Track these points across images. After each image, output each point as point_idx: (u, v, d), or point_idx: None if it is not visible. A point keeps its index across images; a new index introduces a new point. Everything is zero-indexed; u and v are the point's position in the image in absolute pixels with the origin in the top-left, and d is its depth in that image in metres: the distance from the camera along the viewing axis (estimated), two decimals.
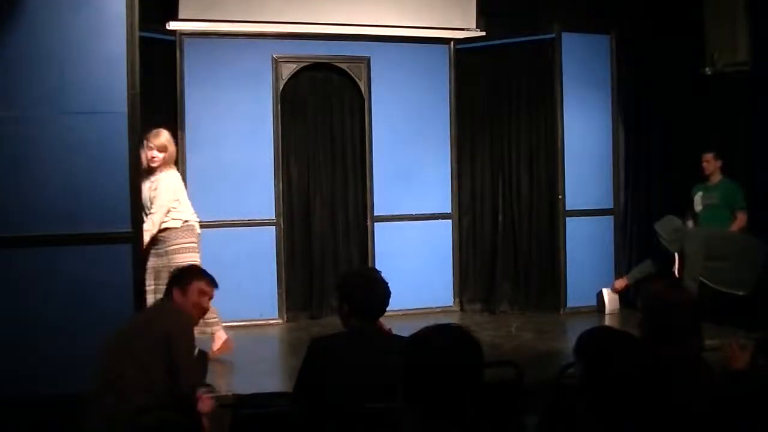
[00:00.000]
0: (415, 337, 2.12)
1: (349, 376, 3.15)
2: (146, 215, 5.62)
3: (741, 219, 7.05)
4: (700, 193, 7.22)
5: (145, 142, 5.64)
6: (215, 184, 7.11)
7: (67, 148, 4.64)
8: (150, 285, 5.55)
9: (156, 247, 5.74)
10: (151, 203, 5.71)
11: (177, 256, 5.73)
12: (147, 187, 5.71)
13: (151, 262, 5.70)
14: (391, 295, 3.40)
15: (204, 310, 3.98)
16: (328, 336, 3.52)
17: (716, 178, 7.19)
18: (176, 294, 3.85)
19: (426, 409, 2.01)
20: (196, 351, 3.82)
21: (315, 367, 3.26)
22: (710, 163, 7.17)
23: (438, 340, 2.07)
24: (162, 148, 5.76)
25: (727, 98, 7.15)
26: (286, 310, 7.46)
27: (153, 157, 5.73)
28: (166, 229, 5.77)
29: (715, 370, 3.06)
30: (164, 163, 5.80)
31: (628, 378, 2.16)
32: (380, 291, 3.35)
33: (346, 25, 7.39)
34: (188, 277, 3.94)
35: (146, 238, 5.50)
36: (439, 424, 2.00)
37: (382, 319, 3.43)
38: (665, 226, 6.91)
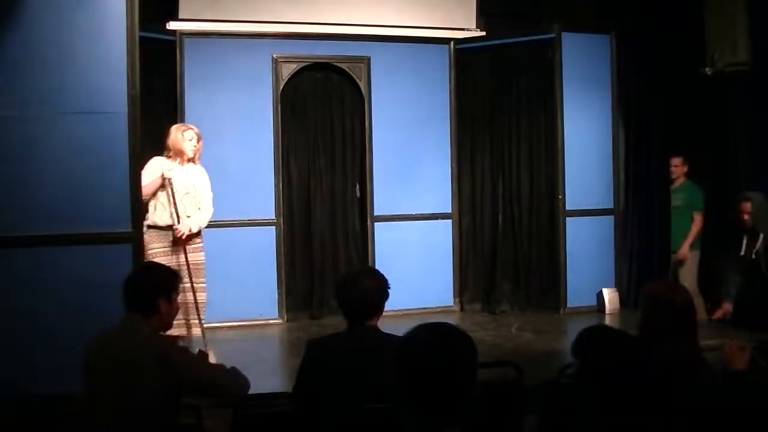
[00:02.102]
0: (404, 337, 2.12)
1: (347, 377, 3.15)
2: (173, 205, 5.62)
3: (698, 221, 7.22)
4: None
5: (184, 132, 5.74)
6: (215, 184, 7.03)
7: (67, 148, 4.64)
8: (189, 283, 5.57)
9: (164, 243, 5.67)
10: (195, 194, 5.76)
11: (201, 254, 5.75)
12: (183, 178, 5.72)
13: (168, 260, 5.63)
14: (387, 296, 3.38)
15: (177, 310, 3.46)
16: (324, 337, 3.53)
17: (680, 180, 7.35)
18: (163, 305, 3.23)
19: (421, 409, 2.00)
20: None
21: (312, 368, 3.27)
22: (678, 168, 7.35)
23: (426, 339, 2.07)
24: (199, 138, 5.83)
25: (727, 98, 7.15)
26: (286, 310, 7.46)
27: (195, 147, 5.77)
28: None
29: (715, 370, 3.07)
30: (198, 156, 5.86)
31: (627, 377, 2.16)
32: (367, 291, 3.32)
33: (346, 25, 7.39)
34: (168, 283, 3.34)
35: (194, 229, 5.66)
36: (436, 424, 1.99)
37: (381, 320, 3.43)
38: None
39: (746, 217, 6.14)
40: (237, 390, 3.22)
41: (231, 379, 3.23)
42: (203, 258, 5.77)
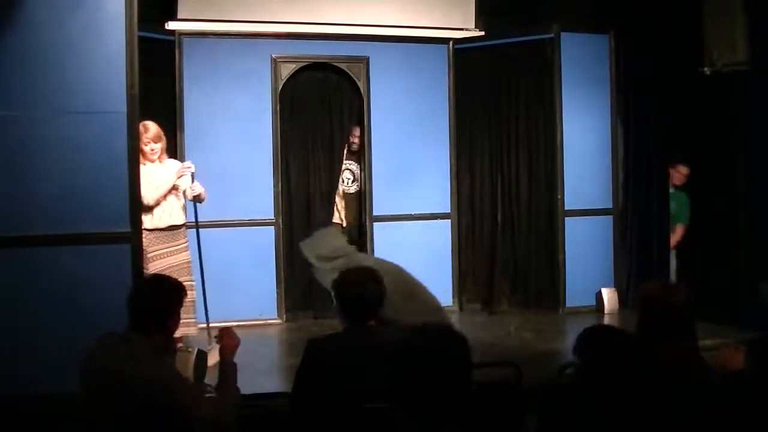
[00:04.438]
0: (401, 338, 2.12)
1: (346, 377, 3.15)
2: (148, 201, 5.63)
3: (679, 233, 7.43)
4: None
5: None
6: (214, 184, 7.07)
7: (66, 148, 4.64)
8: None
9: (169, 244, 5.71)
10: (176, 188, 5.77)
11: (187, 253, 5.78)
12: (159, 175, 5.73)
13: (170, 261, 5.68)
14: (385, 296, 3.39)
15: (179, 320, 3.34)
16: (324, 337, 3.52)
17: (676, 187, 7.49)
18: (171, 322, 3.19)
19: (418, 410, 2.01)
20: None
21: (312, 368, 3.27)
22: (684, 176, 7.46)
23: (423, 340, 2.07)
24: (157, 139, 5.80)
25: (726, 98, 7.15)
26: (285, 310, 7.45)
27: (153, 150, 5.76)
28: (184, 224, 5.81)
29: (714, 370, 3.07)
30: (163, 153, 5.85)
31: (627, 377, 2.16)
32: (368, 292, 3.33)
33: (346, 25, 7.38)
34: (178, 299, 3.23)
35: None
36: (433, 424, 2.00)
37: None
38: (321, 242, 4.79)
39: None
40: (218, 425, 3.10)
41: (216, 415, 3.10)
42: (189, 257, 5.81)
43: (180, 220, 5.78)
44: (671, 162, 7.53)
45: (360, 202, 7.74)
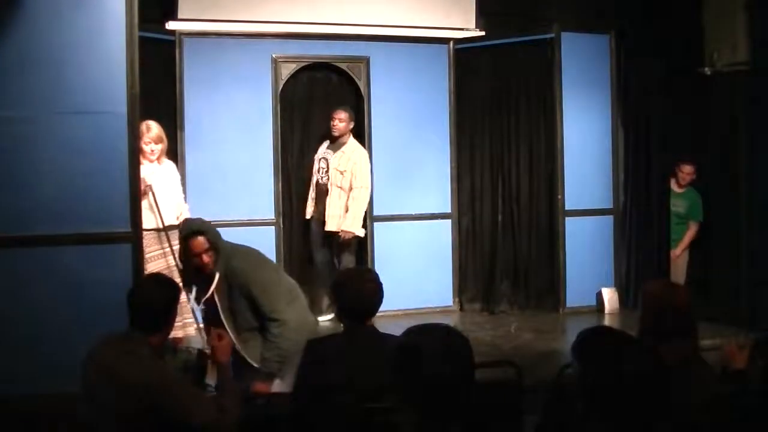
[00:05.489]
0: (401, 338, 2.11)
1: (346, 377, 3.15)
2: (156, 210, 5.67)
3: (693, 230, 7.51)
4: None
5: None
6: (215, 184, 7.11)
7: (66, 148, 4.63)
8: None
9: (166, 245, 5.71)
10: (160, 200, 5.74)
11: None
12: (156, 176, 5.74)
13: (166, 261, 5.68)
14: (384, 296, 3.38)
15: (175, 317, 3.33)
16: (323, 337, 3.53)
17: (686, 187, 7.57)
18: (170, 321, 3.23)
19: (419, 409, 2.01)
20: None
21: (312, 368, 3.27)
22: (690, 176, 7.52)
23: (424, 340, 2.07)
24: (158, 140, 5.81)
25: (726, 98, 7.15)
26: None
27: (152, 151, 5.76)
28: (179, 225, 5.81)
29: (715, 370, 3.07)
30: (163, 154, 5.85)
31: (627, 378, 2.16)
32: (366, 292, 3.34)
33: (346, 24, 7.38)
34: (175, 299, 3.24)
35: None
36: (435, 424, 2.00)
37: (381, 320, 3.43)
38: None
39: (205, 260, 4.29)
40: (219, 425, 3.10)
41: (216, 419, 3.09)
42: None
43: (177, 221, 5.78)
44: (674, 162, 7.53)
45: (323, 197, 7.19)
